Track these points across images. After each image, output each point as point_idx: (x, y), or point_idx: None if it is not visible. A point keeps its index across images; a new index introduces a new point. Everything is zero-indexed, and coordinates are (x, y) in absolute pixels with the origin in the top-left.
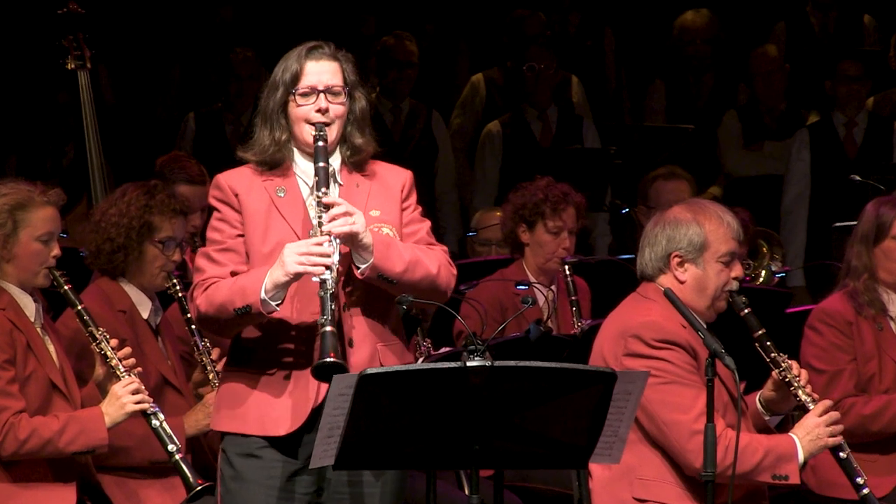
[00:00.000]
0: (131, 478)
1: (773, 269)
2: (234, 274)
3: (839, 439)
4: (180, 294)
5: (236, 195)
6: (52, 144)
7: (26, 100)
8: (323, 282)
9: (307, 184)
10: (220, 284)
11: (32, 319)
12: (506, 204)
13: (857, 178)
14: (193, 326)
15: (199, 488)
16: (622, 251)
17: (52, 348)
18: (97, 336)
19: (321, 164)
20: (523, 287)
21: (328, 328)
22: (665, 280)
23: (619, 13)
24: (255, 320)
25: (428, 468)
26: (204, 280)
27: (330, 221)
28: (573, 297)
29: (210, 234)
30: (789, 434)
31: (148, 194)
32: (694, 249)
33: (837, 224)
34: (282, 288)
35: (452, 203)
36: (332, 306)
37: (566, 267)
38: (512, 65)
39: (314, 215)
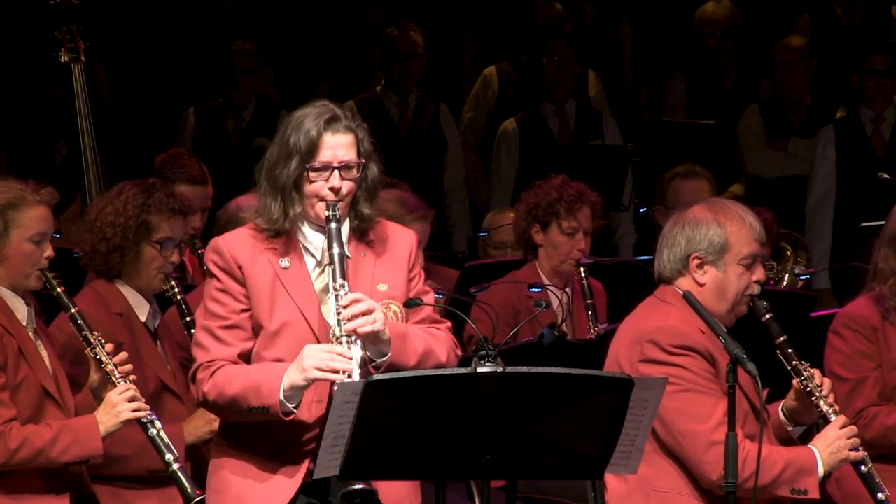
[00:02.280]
0: (127, 488)
1: (797, 272)
2: (241, 355)
3: (861, 454)
4: (179, 297)
5: (240, 267)
6: (45, 141)
7: (18, 94)
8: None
9: (314, 256)
10: (230, 374)
11: (24, 324)
12: (519, 203)
13: (885, 175)
14: (193, 330)
15: (197, 499)
16: (642, 252)
17: (44, 354)
18: (91, 341)
19: (337, 252)
20: (536, 290)
21: None
22: (684, 283)
23: (637, 4)
24: (270, 419)
25: (437, 479)
26: (210, 363)
27: (349, 320)
28: (589, 301)
29: (211, 305)
30: (809, 446)
31: (145, 193)
32: (714, 251)
33: (864, 224)
34: (299, 390)
35: (462, 200)
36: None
37: (581, 269)
38: (527, 58)
39: (332, 313)
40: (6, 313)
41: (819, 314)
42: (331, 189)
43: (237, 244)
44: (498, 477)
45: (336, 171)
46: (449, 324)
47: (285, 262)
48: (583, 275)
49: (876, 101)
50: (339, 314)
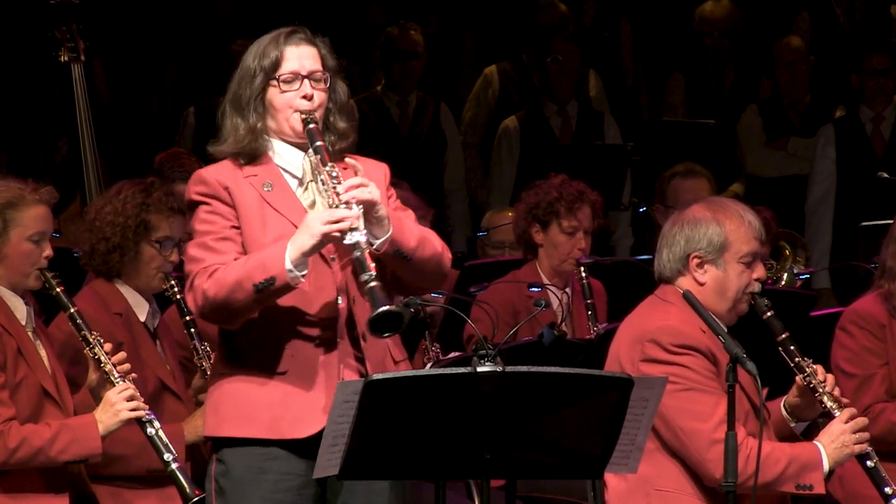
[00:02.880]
0: (127, 488)
1: (795, 272)
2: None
3: (865, 447)
4: (178, 296)
5: (226, 188)
6: (45, 140)
7: (18, 94)
8: (356, 243)
9: (293, 175)
10: (229, 266)
11: (23, 323)
12: (518, 203)
13: (885, 175)
14: (193, 330)
15: (196, 499)
16: (642, 252)
17: (43, 353)
18: (90, 340)
19: (319, 143)
20: (536, 289)
21: (374, 283)
22: (684, 282)
23: (636, 3)
24: (276, 297)
25: (437, 478)
26: (206, 267)
27: (347, 190)
28: (588, 300)
29: (200, 226)
30: (814, 442)
31: (145, 192)
32: (714, 250)
33: (864, 223)
34: (306, 256)
35: (462, 200)
36: (372, 262)
37: (581, 268)
38: (529, 57)
39: (327, 189)
40: (5, 313)
41: (819, 313)
42: (304, 97)
43: (220, 170)
44: (498, 476)
45: (306, 80)
46: (434, 233)
47: (268, 187)
48: (583, 274)
49: (876, 100)
50: (335, 188)
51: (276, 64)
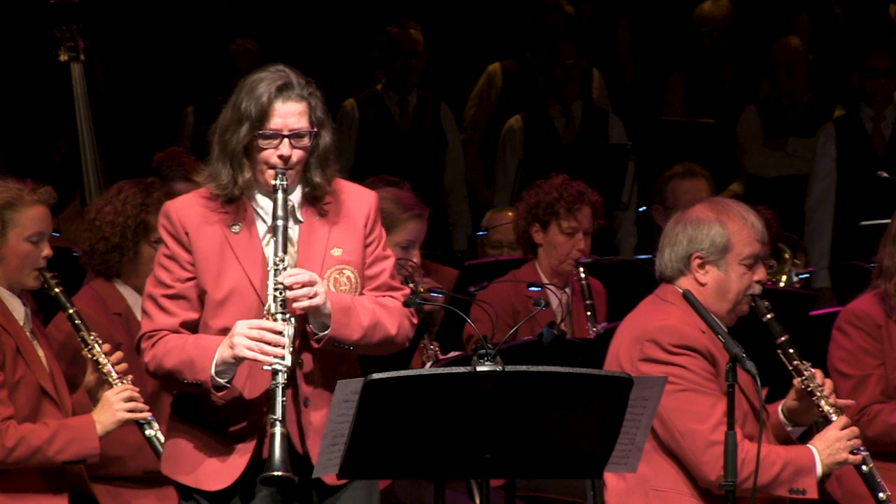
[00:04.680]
0: (125, 487)
1: (794, 276)
2: (183, 324)
3: (859, 457)
4: None
5: (187, 233)
6: (44, 139)
7: (17, 93)
8: (274, 372)
9: (264, 221)
10: (168, 345)
11: (22, 323)
12: (519, 203)
13: (885, 174)
14: None
15: None
16: (644, 252)
17: (41, 353)
18: (89, 341)
19: (279, 224)
20: (536, 289)
21: (278, 430)
22: (685, 282)
23: (635, 3)
24: (206, 393)
25: (436, 477)
26: (152, 332)
27: (290, 300)
28: (588, 301)
29: (158, 272)
30: (808, 446)
31: (144, 192)
32: (716, 251)
33: (864, 223)
34: (231, 366)
35: (462, 198)
36: (284, 400)
37: (581, 268)
38: (534, 57)
39: (270, 286)
40: (4, 313)
41: (819, 313)
42: (279, 157)
43: (186, 209)
44: (497, 476)
45: (286, 140)
46: (406, 290)
47: (236, 228)
48: (582, 274)
49: (876, 99)
50: (276, 289)
51: (262, 117)
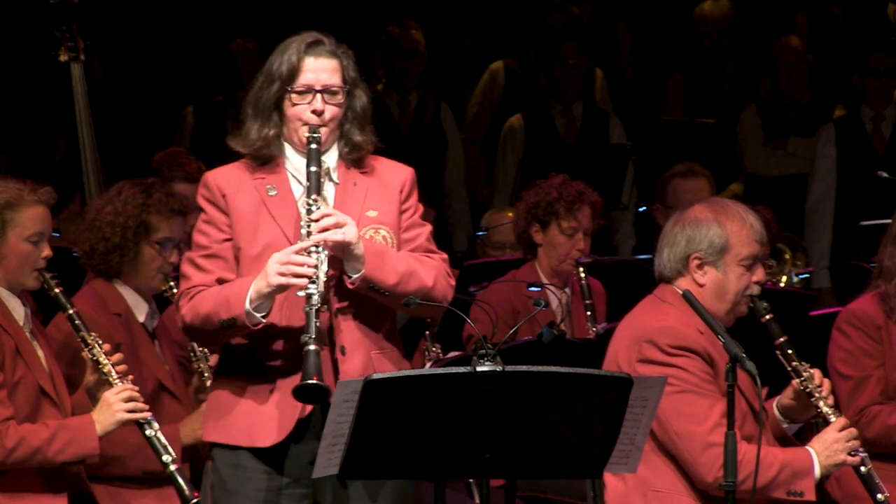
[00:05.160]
0: (125, 488)
1: (794, 277)
2: (220, 281)
3: (857, 458)
4: None
5: (224, 195)
6: (44, 139)
7: (17, 93)
8: (308, 296)
9: (300, 182)
10: (205, 294)
11: (21, 323)
12: (519, 203)
13: (885, 174)
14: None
15: (194, 501)
16: (644, 252)
17: (41, 353)
18: (89, 342)
19: (313, 169)
20: (536, 289)
21: (312, 347)
22: (683, 283)
23: (634, 3)
24: (241, 332)
25: (437, 477)
26: (189, 289)
27: (319, 231)
28: (588, 301)
29: (196, 237)
30: (806, 448)
31: (145, 193)
32: (714, 251)
33: (864, 223)
34: (266, 299)
35: (462, 199)
36: (318, 322)
37: (580, 268)
38: (537, 56)
39: (303, 223)
40: (3, 313)
41: (819, 313)
42: (313, 112)
43: (224, 175)
44: (497, 476)
45: (318, 95)
46: (445, 255)
47: (272, 191)
48: (582, 274)
49: (876, 99)
50: (308, 226)
51: (293, 74)
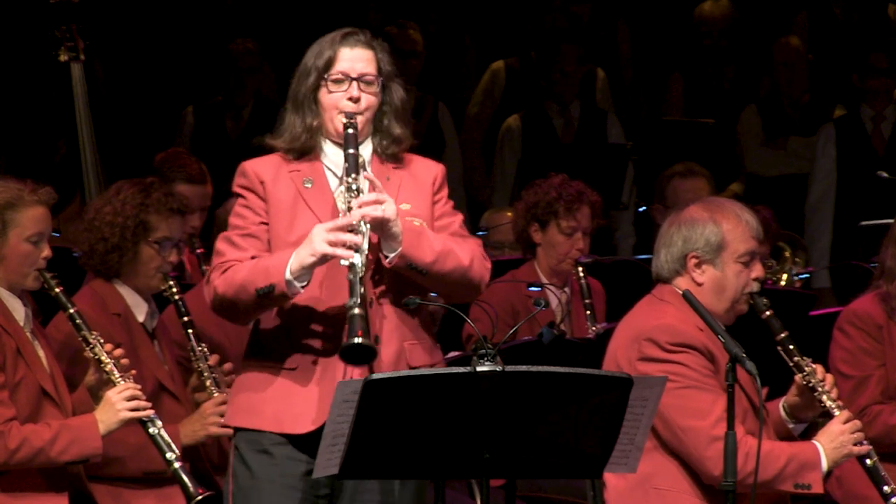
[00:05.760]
0: (126, 488)
1: (795, 275)
2: (254, 259)
3: (865, 448)
4: (177, 297)
5: (262, 183)
6: (44, 139)
7: (17, 93)
8: (352, 265)
9: (336, 174)
10: (240, 266)
11: (22, 324)
12: (518, 202)
13: (885, 174)
14: (190, 331)
15: (199, 498)
16: (642, 252)
17: (41, 353)
18: (90, 340)
19: (351, 152)
20: (536, 289)
21: (356, 310)
22: (682, 282)
23: (634, 3)
24: (276, 303)
25: (437, 477)
26: (223, 262)
27: (360, 206)
28: (587, 301)
29: (232, 219)
30: (812, 441)
31: (144, 192)
32: (711, 250)
33: (864, 223)
34: (308, 269)
35: (459, 198)
36: (362, 289)
37: (580, 268)
38: (537, 56)
39: (343, 200)
40: (4, 313)
41: (819, 313)
42: (349, 99)
43: (262, 164)
44: (497, 476)
45: (354, 83)
46: (479, 241)
47: (308, 183)
48: (581, 274)
49: (877, 99)
50: (349, 202)
51: (329, 64)
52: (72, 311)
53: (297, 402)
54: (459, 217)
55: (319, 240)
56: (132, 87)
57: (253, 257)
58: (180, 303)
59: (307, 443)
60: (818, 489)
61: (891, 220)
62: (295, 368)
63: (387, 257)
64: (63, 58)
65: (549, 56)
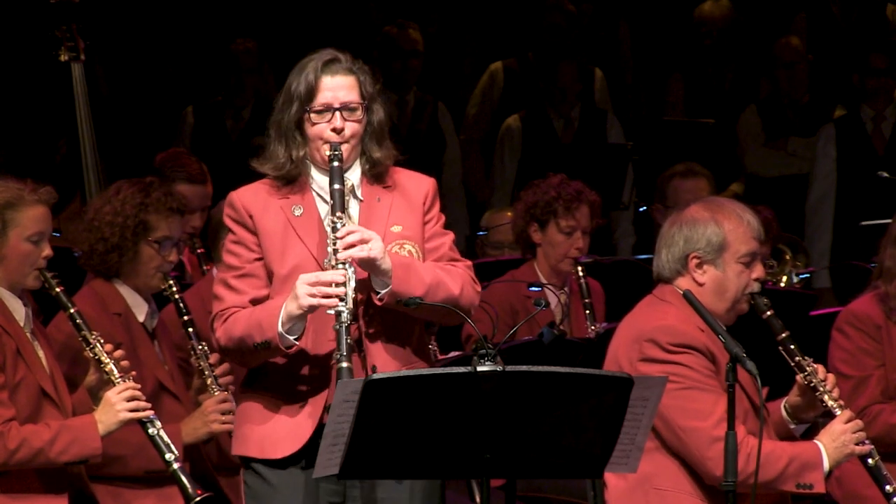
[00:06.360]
0: (126, 488)
1: (795, 278)
2: (254, 301)
3: (867, 448)
4: (177, 296)
5: (251, 216)
6: (44, 139)
7: (17, 93)
8: (338, 314)
9: (325, 201)
10: (237, 316)
11: (22, 324)
12: (517, 203)
13: (885, 174)
14: (191, 330)
15: (198, 499)
16: (641, 252)
17: (41, 354)
18: (91, 340)
19: (336, 187)
20: (535, 289)
21: (344, 364)
22: (683, 282)
23: (635, 3)
24: (275, 354)
25: (437, 477)
26: (223, 311)
27: (345, 248)
28: (586, 300)
29: (227, 258)
30: (814, 441)
31: (143, 192)
32: (713, 250)
33: (865, 223)
34: (298, 320)
35: (459, 199)
36: (349, 339)
37: (579, 268)
38: (535, 57)
39: (329, 241)
40: (4, 313)
41: (819, 313)
42: (333, 130)
43: (249, 195)
44: (498, 476)
45: (337, 113)
46: (469, 263)
47: (298, 210)
48: (580, 274)
49: (877, 99)
50: (334, 244)
51: (311, 94)
52: (72, 310)
53: (279, 428)
54: (450, 237)
55: (303, 293)
56: (132, 87)
57: (252, 299)
58: (180, 302)
59: (294, 464)
60: (820, 489)
61: (890, 221)
62: (286, 401)
63: (377, 293)
64: (63, 58)
65: (547, 70)
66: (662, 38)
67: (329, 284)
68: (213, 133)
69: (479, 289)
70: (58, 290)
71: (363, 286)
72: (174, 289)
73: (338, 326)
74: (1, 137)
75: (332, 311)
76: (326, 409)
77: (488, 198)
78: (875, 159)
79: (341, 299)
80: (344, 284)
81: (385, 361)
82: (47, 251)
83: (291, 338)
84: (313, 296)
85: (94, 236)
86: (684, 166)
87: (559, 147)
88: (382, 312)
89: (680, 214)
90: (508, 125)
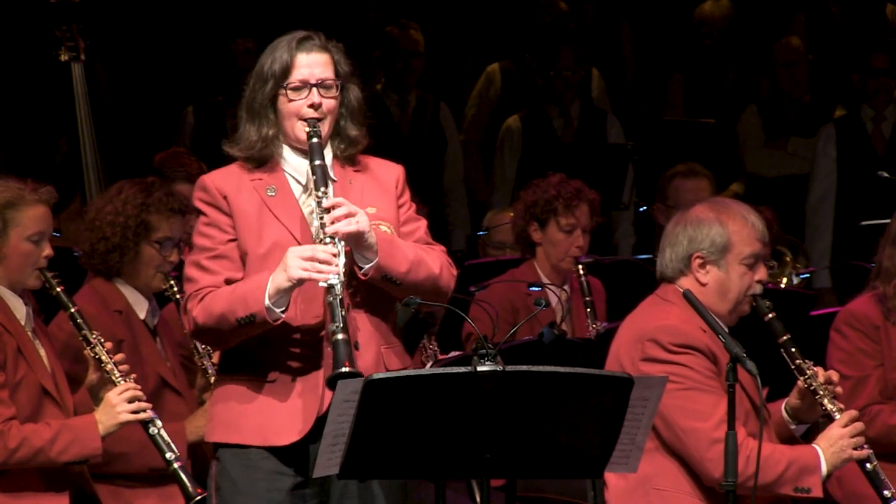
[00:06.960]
0: (127, 487)
1: (795, 279)
2: (228, 282)
3: (864, 452)
4: (178, 296)
5: (225, 197)
6: (45, 139)
7: (17, 93)
8: (331, 287)
9: (298, 182)
10: (216, 294)
11: (23, 323)
12: (517, 202)
13: (885, 174)
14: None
15: (198, 498)
16: (642, 252)
17: (42, 353)
18: (91, 340)
19: (318, 163)
20: (536, 288)
21: (340, 336)
22: (685, 282)
23: (636, 4)
24: (258, 329)
25: (437, 477)
26: (198, 290)
27: (332, 222)
28: (587, 298)
29: (198, 240)
30: (813, 445)
31: (145, 192)
32: (716, 250)
33: (865, 223)
34: (285, 294)
35: (461, 199)
36: (343, 312)
37: (580, 267)
38: (532, 56)
39: (315, 216)
40: (5, 312)
41: (819, 313)
42: (310, 106)
43: (222, 177)
44: (498, 476)
45: (314, 89)
46: (443, 247)
47: (272, 191)
48: (581, 273)
49: (877, 99)
50: (321, 218)
51: (286, 71)
52: (73, 310)
53: (277, 415)
54: (424, 223)
55: (295, 265)
56: (133, 87)
57: (227, 280)
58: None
59: (292, 455)
60: (818, 493)
61: (890, 221)
62: (274, 381)
63: (361, 268)
64: (64, 58)
65: (547, 59)
66: (663, 38)
67: (325, 259)
68: (213, 133)
69: (454, 272)
70: (58, 289)
71: (346, 261)
72: (175, 289)
73: (331, 299)
74: (1, 137)
75: (324, 284)
76: (328, 384)
77: (488, 198)
78: (875, 159)
79: (335, 274)
80: (336, 257)
81: (367, 338)
82: (48, 251)
83: (278, 310)
84: (305, 269)
85: (96, 236)
86: (686, 166)
87: (559, 147)
88: (365, 289)
89: (685, 214)
90: (508, 125)
